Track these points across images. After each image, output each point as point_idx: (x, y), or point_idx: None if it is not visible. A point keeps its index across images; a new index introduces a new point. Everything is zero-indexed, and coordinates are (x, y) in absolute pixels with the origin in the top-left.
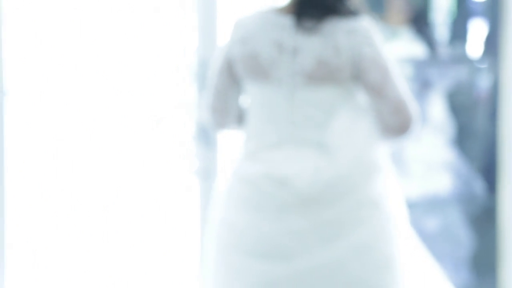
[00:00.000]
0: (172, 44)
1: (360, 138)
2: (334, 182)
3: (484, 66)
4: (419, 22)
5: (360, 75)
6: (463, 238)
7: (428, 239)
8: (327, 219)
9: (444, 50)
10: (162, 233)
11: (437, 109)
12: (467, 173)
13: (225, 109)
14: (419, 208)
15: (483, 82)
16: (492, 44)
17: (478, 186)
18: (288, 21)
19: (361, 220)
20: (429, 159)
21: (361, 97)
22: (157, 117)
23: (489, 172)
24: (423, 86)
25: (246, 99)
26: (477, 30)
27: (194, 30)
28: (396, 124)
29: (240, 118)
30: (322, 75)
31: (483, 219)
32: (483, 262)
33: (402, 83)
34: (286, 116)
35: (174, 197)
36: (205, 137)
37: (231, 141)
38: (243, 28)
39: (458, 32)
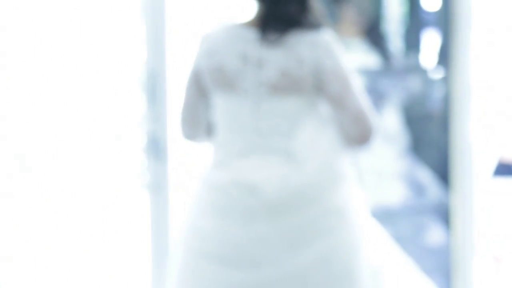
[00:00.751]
0: (121, 56)
1: (325, 147)
2: (301, 189)
3: (438, 76)
4: (373, 33)
5: (322, 86)
6: (418, 248)
7: None
8: (293, 226)
9: (397, 60)
10: (112, 247)
11: (391, 120)
12: (421, 183)
13: (195, 121)
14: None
15: (437, 93)
16: (446, 54)
17: (433, 195)
18: (253, 34)
19: (327, 229)
20: (382, 170)
21: (324, 108)
22: (106, 130)
23: (442, 183)
24: (376, 97)
25: (214, 111)
26: (431, 40)
27: (143, 42)
28: (356, 134)
29: (209, 130)
30: (286, 86)
31: (438, 227)
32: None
33: (362, 94)
34: (252, 126)
35: (124, 210)
36: (156, 150)
37: (182, 154)
38: (209, 42)
39: (412, 43)
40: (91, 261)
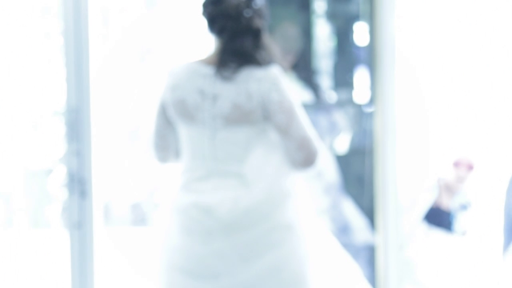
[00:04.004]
0: (43, 94)
1: (272, 169)
2: (251, 209)
3: (369, 111)
4: (302, 68)
5: (269, 117)
6: None
7: None
8: (246, 241)
9: (328, 96)
10: (33, 280)
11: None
12: (347, 221)
13: (165, 146)
14: None
15: (368, 128)
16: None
17: (359, 233)
18: (209, 71)
19: (276, 242)
20: None
21: (273, 134)
22: (27, 164)
23: (371, 216)
24: None
25: (180, 138)
26: (361, 76)
27: (63, 79)
28: (300, 159)
29: (178, 153)
30: (238, 117)
31: (363, 265)
32: None
33: (306, 122)
34: (210, 153)
35: (46, 247)
36: (76, 186)
37: (103, 190)
38: (173, 77)
39: (342, 79)
40: None
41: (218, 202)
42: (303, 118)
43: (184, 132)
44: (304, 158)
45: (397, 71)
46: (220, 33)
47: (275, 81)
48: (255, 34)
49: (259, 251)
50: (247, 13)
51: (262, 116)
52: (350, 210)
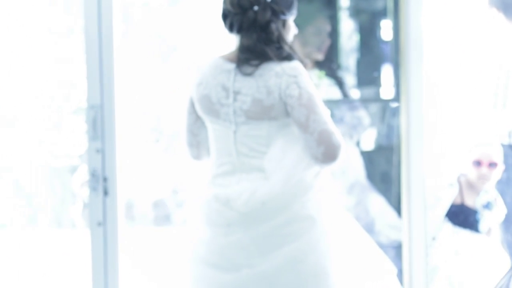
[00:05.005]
0: (65, 90)
1: (291, 161)
2: (268, 200)
3: (396, 107)
4: (327, 64)
5: (288, 111)
6: None
7: None
8: (263, 233)
9: (354, 92)
10: (55, 279)
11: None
12: (373, 218)
13: (197, 143)
14: None
15: (394, 124)
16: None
17: (385, 230)
18: (231, 67)
19: (295, 234)
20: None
21: (295, 129)
22: (50, 162)
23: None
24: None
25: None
26: (387, 72)
27: (83, 77)
28: (321, 153)
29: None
30: (258, 112)
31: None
32: None
33: (326, 116)
34: (234, 148)
35: (69, 246)
36: (99, 184)
37: (124, 188)
38: (200, 73)
39: (368, 75)
40: None
41: (235, 195)
42: (324, 112)
43: (210, 128)
44: (324, 152)
45: (423, 67)
46: (230, 30)
47: (293, 74)
48: (264, 29)
49: (277, 242)
50: (254, 8)
51: (284, 110)
52: (378, 207)
